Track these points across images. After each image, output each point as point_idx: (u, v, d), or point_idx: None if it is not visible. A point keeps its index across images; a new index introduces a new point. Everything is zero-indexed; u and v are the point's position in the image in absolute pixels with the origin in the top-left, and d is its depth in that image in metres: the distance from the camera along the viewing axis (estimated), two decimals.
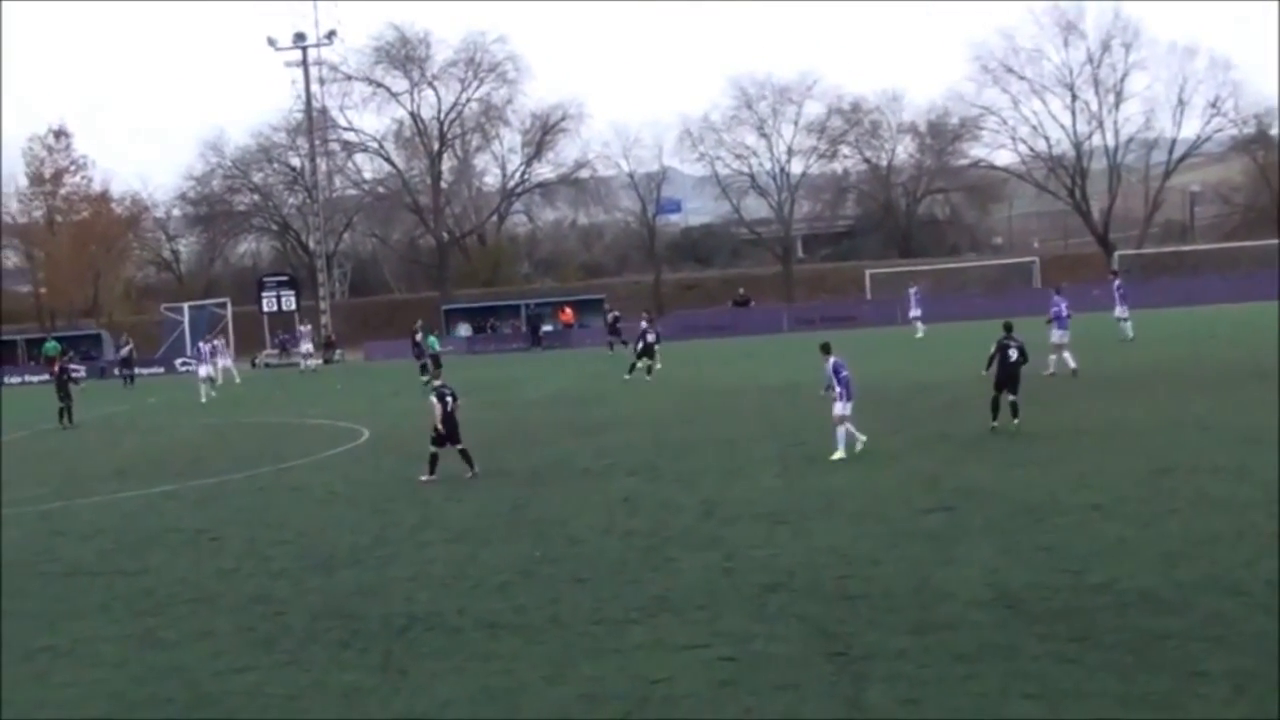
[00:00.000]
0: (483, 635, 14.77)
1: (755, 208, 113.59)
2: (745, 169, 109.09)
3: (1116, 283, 54.28)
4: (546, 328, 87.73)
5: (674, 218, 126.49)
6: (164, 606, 17.23)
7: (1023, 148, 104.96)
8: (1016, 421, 28.57)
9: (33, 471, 34.16)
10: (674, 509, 21.96)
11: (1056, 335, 39.78)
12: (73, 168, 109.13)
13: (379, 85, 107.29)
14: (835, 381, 26.04)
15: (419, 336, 63.13)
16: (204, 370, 56.43)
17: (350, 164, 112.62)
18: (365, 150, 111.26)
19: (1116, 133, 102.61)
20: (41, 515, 26.20)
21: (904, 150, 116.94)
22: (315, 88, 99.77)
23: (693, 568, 17.38)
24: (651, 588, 16.40)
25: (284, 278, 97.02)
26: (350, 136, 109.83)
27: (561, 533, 20.57)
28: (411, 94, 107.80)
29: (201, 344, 60.37)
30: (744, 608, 15.17)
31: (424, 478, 26.80)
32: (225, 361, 71.02)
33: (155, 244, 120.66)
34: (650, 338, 52.36)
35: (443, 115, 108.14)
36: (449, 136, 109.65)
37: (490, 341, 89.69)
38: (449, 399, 27.28)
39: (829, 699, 11.90)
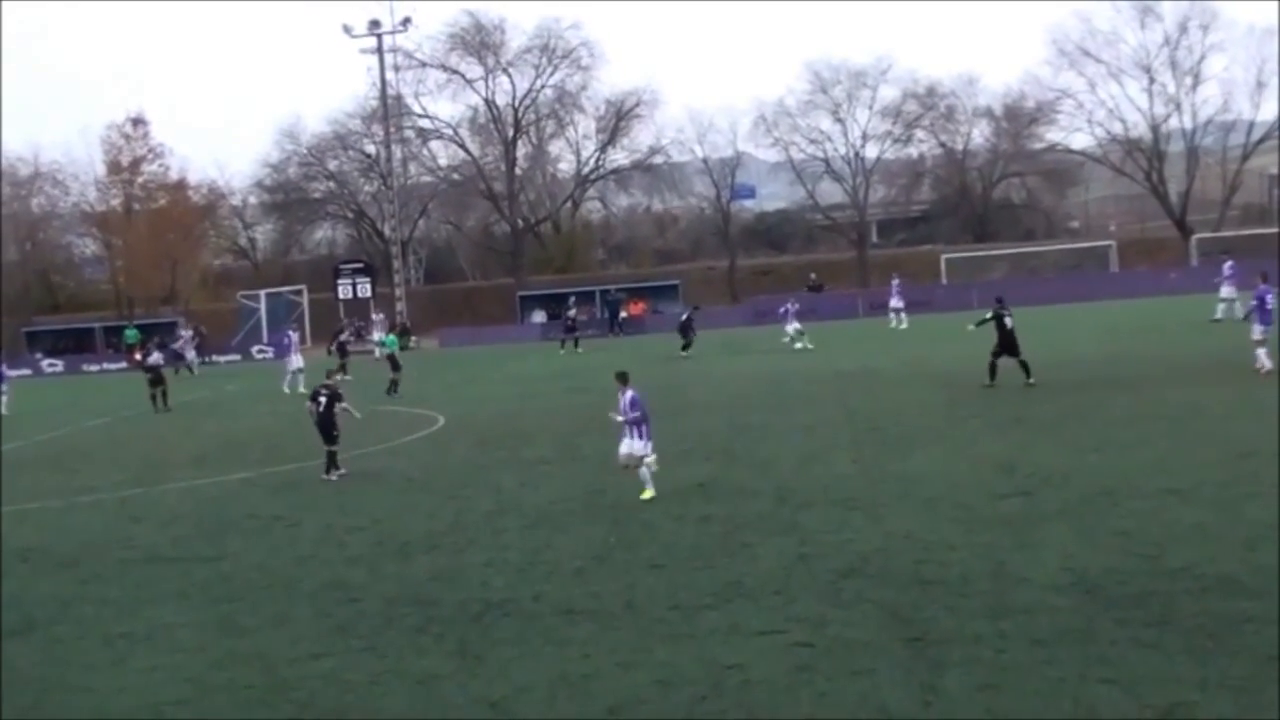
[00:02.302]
0: (558, 621, 14.81)
1: (830, 193, 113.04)
2: (820, 154, 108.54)
3: (1228, 264, 53.42)
4: (623, 313, 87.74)
5: (748, 203, 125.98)
6: (241, 592, 17.39)
7: (1099, 131, 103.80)
8: (1031, 380, 33.51)
9: (112, 458, 34.55)
10: (749, 495, 21.94)
11: (1258, 331, 34.04)
12: (150, 155, 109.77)
13: (454, 72, 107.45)
14: (631, 415, 22.74)
15: (344, 336, 61.85)
16: (295, 361, 53.79)
17: (425, 151, 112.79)
18: (440, 137, 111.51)
19: (1194, 115, 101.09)
20: (120, 502, 26.51)
21: (979, 134, 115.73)
22: (390, 75, 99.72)
23: (768, 553, 17.36)
24: (726, 573, 16.39)
25: (359, 265, 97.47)
26: (425, 123, 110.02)
27: (637, 518, 20.60)
28: (486, 81, 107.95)
29: (291, 333, 58.16)
30: (819, 593, 15.13)
31: (331, 476, 27.10)
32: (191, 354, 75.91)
33: (232, 231, 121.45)
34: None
35: (517, 102, 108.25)
36: (523, 123, 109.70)
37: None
38: (321, 399, 27.51)
39: (905, 684, 11.85)
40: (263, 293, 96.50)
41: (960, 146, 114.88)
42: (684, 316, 58.91)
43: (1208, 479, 20.22)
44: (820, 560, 16.71)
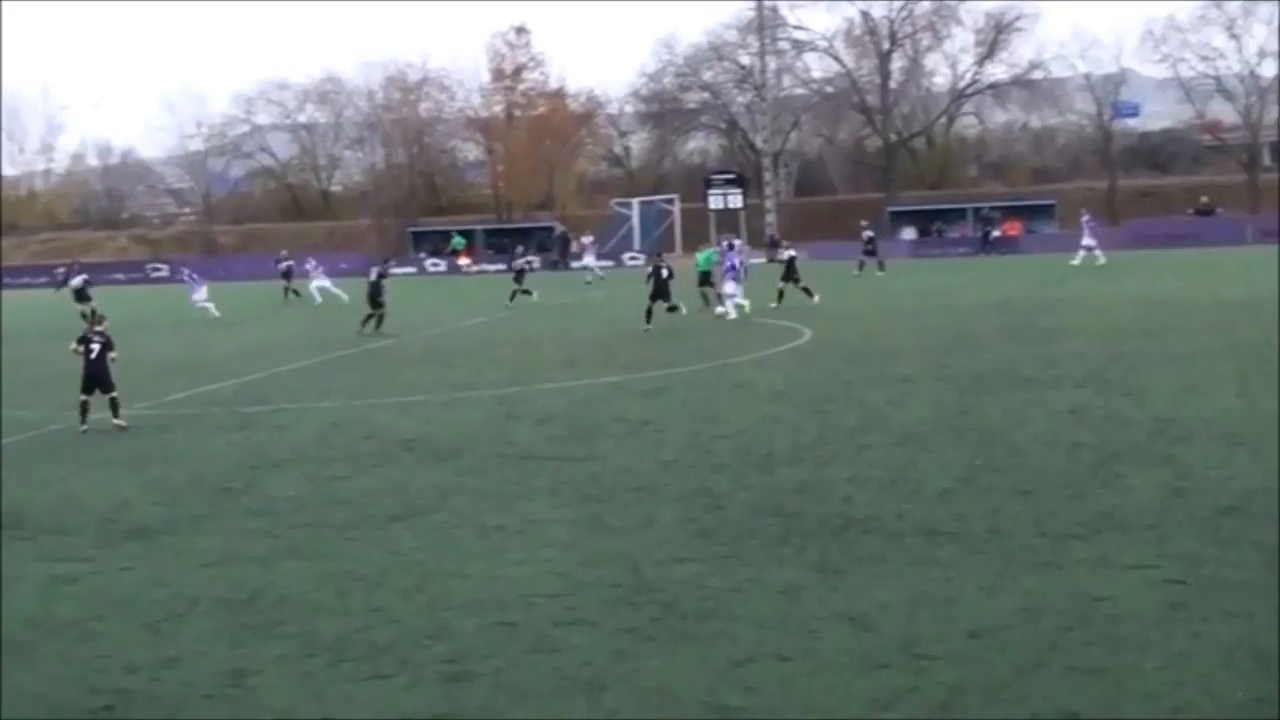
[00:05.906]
0: (920, 541, 14.65)
1: (1221, 112, 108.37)
2: (1211, 71, 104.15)
3: None
4: (995, 232, 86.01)
5: (1131, 122, 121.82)
6: (609, 493, 17.74)
7: None
8: (648, 328, 38.91)
9: (488, 356, 35.72)
10: (1123, 424, 21.25)
11: None
12: (531, 64, 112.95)
13: None
14: None
15: (520, 263, 57.45)
16: (730, 287, 44.76)
17: (799, 62, 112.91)
18: (814, 49, 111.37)
19: None
20: (498, 399, 27.38)
21: None
22: None
23: (1142, 486, 16.78)
24: (1097, 504, 15.93)
25: (731, 176, 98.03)
26: (800, 35, 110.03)
27: (1004, 442, 20.20)
28: None
29: (736, 241, 52.29)
30: (1196, 530, 14.56)
31: (81, 428, 24.70)
32: (321, 281, 62.01)
33: (607, 140, 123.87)
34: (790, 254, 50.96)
35: (893, 14, 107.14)
36: (899, 36, 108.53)
37: (935, 245, 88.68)
38: (95, 345, 25.21)
39: None
40: (635, 201, 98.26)
41: None
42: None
43: None
44: (1198, 496, 16.08)
